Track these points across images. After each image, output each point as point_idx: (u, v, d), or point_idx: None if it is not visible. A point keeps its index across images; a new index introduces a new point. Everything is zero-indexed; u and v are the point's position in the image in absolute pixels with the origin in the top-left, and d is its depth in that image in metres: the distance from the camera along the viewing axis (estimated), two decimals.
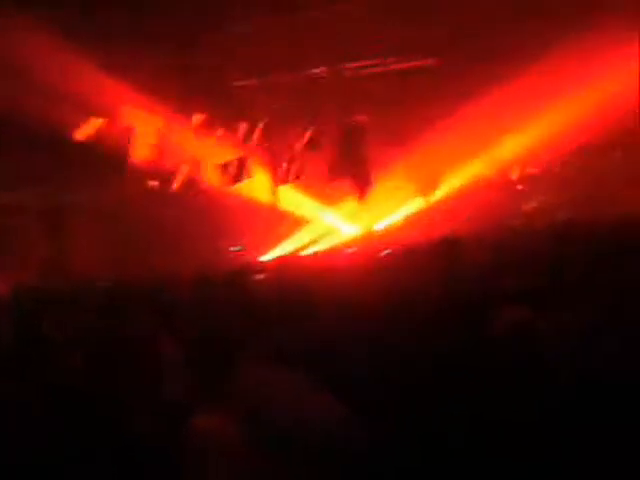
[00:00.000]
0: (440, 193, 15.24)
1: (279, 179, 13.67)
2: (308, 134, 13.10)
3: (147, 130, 12.23)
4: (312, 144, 13.32)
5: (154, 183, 12.81)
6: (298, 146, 13.28)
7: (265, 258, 14.55)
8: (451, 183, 15.16)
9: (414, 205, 15.43)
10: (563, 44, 10.73)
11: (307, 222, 15.43)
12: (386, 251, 9.51)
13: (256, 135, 12.98)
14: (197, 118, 12.31)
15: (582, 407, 1.90)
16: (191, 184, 12.88)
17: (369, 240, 13.35)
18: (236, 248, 15.59)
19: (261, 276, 6.88)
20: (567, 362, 2.38)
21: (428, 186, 15.16)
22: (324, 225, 15.58)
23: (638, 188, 12.60)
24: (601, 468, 1.72)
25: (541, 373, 2.23)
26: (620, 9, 10.57)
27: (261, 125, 13.08)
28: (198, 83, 11.84)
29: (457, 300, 4.12)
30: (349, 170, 13.90)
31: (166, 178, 12.69)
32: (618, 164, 14.06)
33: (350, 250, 11.25)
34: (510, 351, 2.53)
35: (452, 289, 4.67)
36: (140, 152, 12.19)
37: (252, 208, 14.60)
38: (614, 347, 2.37)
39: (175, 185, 12.80)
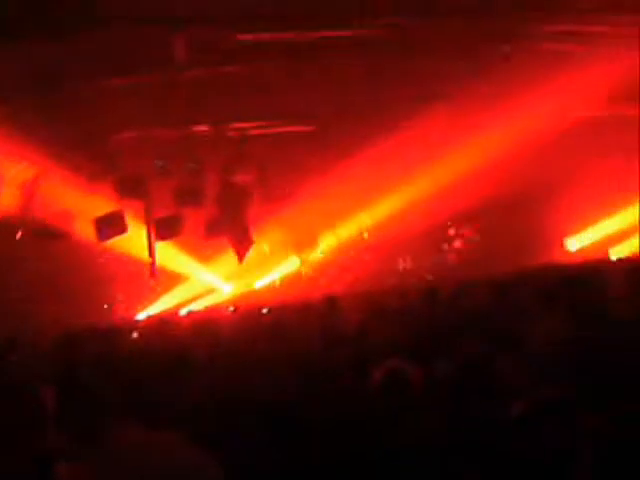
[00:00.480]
0: (316, 253, 15.60)
1: (156, 235, 13.36)
2: (188, 191, 12.98)
3: (17, 179, 11.64)
4: (191, 201, 13.20)
5: (22, 234, 12.13)
6: (177, 202, 13.11)
7: (141, 316, 14.09)
8: (328, 243, 15.60)
9: (291, 265, 15.66)
10: (432, 105, 11.32)
11: (184, 280, 15.18)
12: (265, 310, 9.56)
13: (133, 189, 12.66)
14: (71, 169, 11.86)
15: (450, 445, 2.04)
16: (64, 237, 12.28)
17: (248, 299, 13.31)
18: (108, 305, 15.02)
19: (136, 334, 6.66)
20: (437, 406, 2.58)
21: (305, 246, 15.47)
22: (201, 283, 15.39)
23: (501, 260, 13.47)
24: None
25: (414, 415, 2.38)
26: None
27: (139, 179, 12.81)
28: (73, 133, 11.48)
29: (338, 354, 4.24)
30: (228, 229, 13.89)
31: (38, 230, 12.05)
32: (487, 233, 15.07)
33: (230, 309, 11.16)
34: (387, 397, 2.68)
35: (332, 345, 4.79)
36: (9, 201, 11.55)
37: (127, 264, 14.18)
38: (478, 392, 2.57)
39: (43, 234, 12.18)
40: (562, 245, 16.58)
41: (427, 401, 2.67)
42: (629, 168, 14.17)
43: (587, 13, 10.14)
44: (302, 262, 15.42)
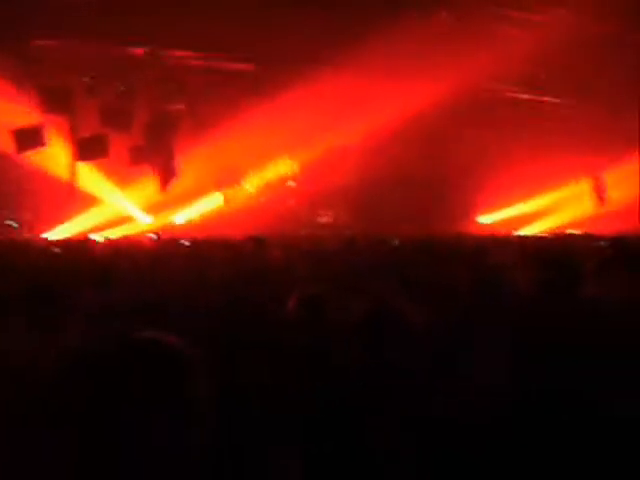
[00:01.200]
0: (239, 192, 15.53)
1: (78, 154, 12.92)
2: (115, 113, 12.59)
3: None
4: (118, 124, 12.81)
5: None
6: (103, 123, 12.69)
7: (51, 235, 13.65)
8: (253, 184, 15.57)
9: (212, 201, 15.54)
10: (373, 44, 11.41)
11: (101, 204, 14.74)
12: (185, 242, 9.54)
13: (57, 103, 12.14)
14: None
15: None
16: None
17: (167, 231, 13.17)
18: (12, 222, 14.46)
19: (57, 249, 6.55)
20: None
21: (228, 183, 15.34)
22: (120, 211, 15.02)
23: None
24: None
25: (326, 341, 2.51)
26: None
27: (64, 94, 12.28)
28: None
29: (261, 288, 4.39)
30: (153, 157, 13.62)
31: None
32: (402, 195, 15.48)
33: (151, 236, 11.02)
34: (299, 327, 2.76)
35: (256, 278, 4.95)
36: None
37: (43, 181, 13.66)
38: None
39: None
40: (473, 220, 17.47)
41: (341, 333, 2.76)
42: (546, 153, 14.99)
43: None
44: (224, 200, 15.28)
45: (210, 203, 15.51)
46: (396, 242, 7.10)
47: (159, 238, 10.17)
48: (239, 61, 12.68)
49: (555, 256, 5.16)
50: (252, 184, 15.41)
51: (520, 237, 13.07)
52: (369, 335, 2.41)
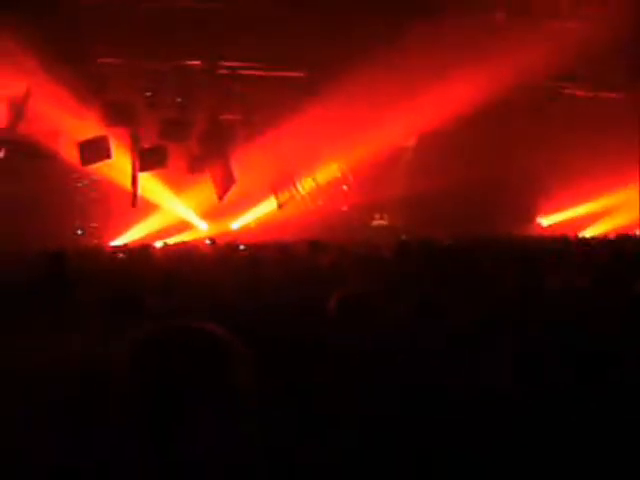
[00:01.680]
0: (294, 197, 15.72)
1: (140, 165, 13.45)
2: (174, 124, 13.06)
3: (7, 95, 11.59)
4: (177, 135, 13.29)
5: (7, 151, 12.13)
6: (163, 135, 13.18)
7: (114, 243, 14.24)
8: (306, 187, 15.71)
9: (267, 207, 15.81)
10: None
11: (161, 212, 15.26)
12: (242, 246, 9.84)
13: (120, 117, 12.70)
14: (62, 90, 11.82)
15: None
16: (49, 157, 12.32)
17: (224, 237, 13.53)
18: (80, 231, 15.13)
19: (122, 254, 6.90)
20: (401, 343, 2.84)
21: (284, 188, 15.54)
22: (179, 218, 15.51)
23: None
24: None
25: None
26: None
27: (127, 108, 12.83)
28: (66, 52, 11.40)
29: (311, 289, 4.55)
30: (211, 166, 14.02)
31: (23, 148, 12.06)
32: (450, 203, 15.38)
33: (207, 241, 11.36)
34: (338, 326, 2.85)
35: (308, 280, 5.12)
36: None
37: (107, 191, 14.27)
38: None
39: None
40: (535, 222, 17.28)
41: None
42: (607, 151, 14.66)
43: None
44: (278, 204, 15.47)
45: (265, 208, 15.79)
46: (446, 243, 7.14)
47: (214, 243, 10.49)
48: (292, 69, 12.94)
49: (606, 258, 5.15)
50: (306, 188, 15.56)
51: (576, 239, 12.83)
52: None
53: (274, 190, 15.23)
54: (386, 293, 3.88)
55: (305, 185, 15.50)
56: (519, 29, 11.39)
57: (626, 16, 11.20)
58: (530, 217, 17.30)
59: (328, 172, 15.48)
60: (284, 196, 15.25)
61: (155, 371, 1.31)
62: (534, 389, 2.07)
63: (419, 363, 2.41)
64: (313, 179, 15.52)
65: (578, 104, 14.49)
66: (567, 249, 6.88)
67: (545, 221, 17.51)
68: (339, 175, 15.67)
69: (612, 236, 12.32)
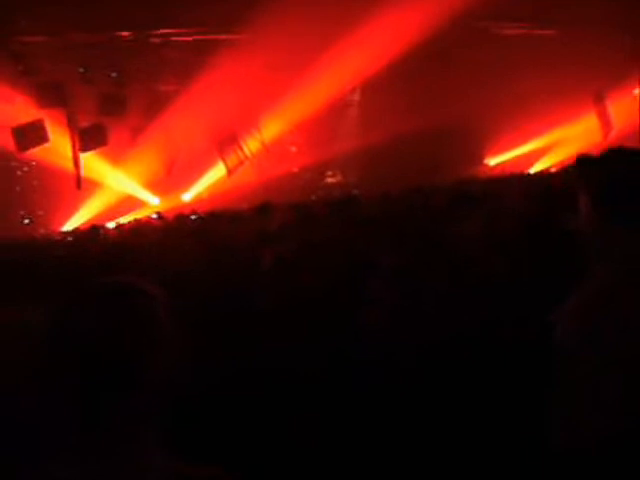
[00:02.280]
0: (241, 160, 15.51)
1: (80, 145, 13.06)
2: (111, 99, 12.67)
3: None
4: (115, 110, 12.91)
5: None
6: (101, 111, 12.79)
7: (66, 228, 13.93)
8: (252, 147, 15.48)
9: (217, 173, 15.59)
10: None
11: (109, 191, 14.95)
12: (193, 217, 9.71)
13: (54, 97, 12.24)
14: None
15: None
16: None
17: (176, 210, 13.35)
18: (27, 220, 14.76)
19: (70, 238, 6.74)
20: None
21: (230, 153, 15.30)
22: (128, 195, 15.23)
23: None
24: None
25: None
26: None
27: (58, 86, 12.36)
28: None
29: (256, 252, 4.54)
30: (154, 139, 13.72)
31: None
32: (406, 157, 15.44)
33: (153, 215, 11.19)
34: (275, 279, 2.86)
35: (257, 244, 5.09)
36: None
37: (49, 176, 13.87)
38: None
39: None
40: (483, 163, 17.56)
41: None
42: (549, 88, 14.84)
43: None
44: (228, 171, 15.25)
45: (214, 175, 15.58)
46: (392, 195, 7.17)
47: (161, 218, 10.35)
48: (225, 32, 12.59)
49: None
50: (252, 148, 15.31)
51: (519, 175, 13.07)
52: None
53: (221, 154, 14.96)
54: (324, 247, 3.87)
55: (251, 145, 15.28)
56: None
57: None
58: (478, 159, 17.56)
59: (273, 130, 15.22)
60: (232, 160, 15.02)
61: (81, 330, 1.31)
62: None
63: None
64: (259, 138, 15.31)
65: (513, 43, 14.56)
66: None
67: (492, 161, 17.82)
68: (284, 133, 15.48)
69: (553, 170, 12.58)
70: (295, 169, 16.49)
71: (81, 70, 12.42)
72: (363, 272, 2.21)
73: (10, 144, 12.25)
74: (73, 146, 13.06)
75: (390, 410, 1.90)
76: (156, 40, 12.36)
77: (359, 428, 1.88)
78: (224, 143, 14.81)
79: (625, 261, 1.75)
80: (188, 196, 15.88)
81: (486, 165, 17.88)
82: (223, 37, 12.75)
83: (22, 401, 1.33)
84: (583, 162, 2.07)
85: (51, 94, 12.15)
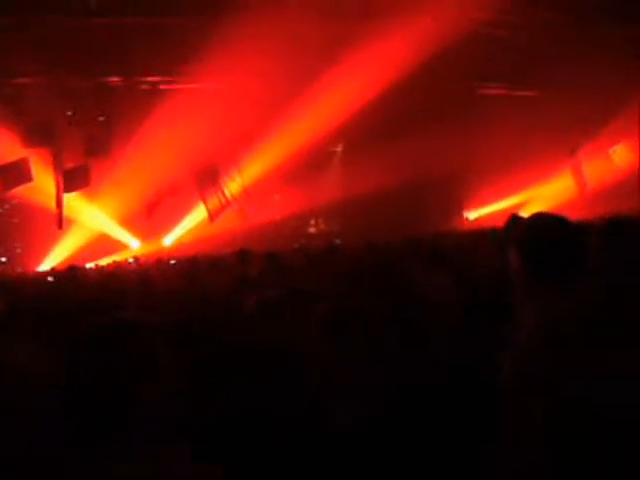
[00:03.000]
0: (224, 208, 15.58)
1: (64, 186, 13.09)
2: (97, 140, 12.79)
3: None
4: (101, 150, 13.01)
5: None
6: (85, 153, 12.88)
7: (44, 267, 13.81)
8: (233, 192, 15.54)
9: (198, 217, 15.62)
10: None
11: (90, 232, 14.89)
12: (172, 261, 9.74)
13: (40, 137, 12.33)
14: None
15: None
16: None
17: (156, 253, 13.35)
18: (4, 258, 14.64)
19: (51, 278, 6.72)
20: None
21: (214, 198, 15.35)
22: (109, 237, 15.19)
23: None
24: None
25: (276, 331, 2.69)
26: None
27: (46, 127, 12.46)
28: None
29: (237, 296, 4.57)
30: (137, 181, 13.78)
31: None
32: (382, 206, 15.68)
33: (129, 260, 11.19)
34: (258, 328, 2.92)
35: (236, 289, 5.13)
36: None
37: (30, 215, 13.82)
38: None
39: None
40: (462, 217, 17.93)
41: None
42: (528, 145, 15.28)
43: None
44: (210, 216, 15.27)
45: (196, 218, 15.61)
46: (373, 245, 7.27)
47: (137, 261, 10.37)
48: (211, 81, 12.81)
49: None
50: (232, 190, 15.39)
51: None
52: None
53: (202, 194, 15.00)
54: (302, 295, 3.92)
55: (232, 187, 15.36)
56: (436, 31, 11.65)
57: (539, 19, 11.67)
58: (457, 213, 17.90)
59: (253, 172, 15.31)
60: (213, 203, 15.06)
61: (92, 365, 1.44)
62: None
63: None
64: (239, 182, 15.40)
65: (494, 102, 15.01)
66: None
67: (471, 215, 18.17)
68: (266, 179, 15.57)
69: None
70: (278, 217, 16.62)
71: (69, 113, 12.56)
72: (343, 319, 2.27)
73: None
74: (57, 186, 13.09)
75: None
76: (145, 87, 12.55)
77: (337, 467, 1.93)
78: (205, 183, 14.91)
79: (541, 321, 1.89)
80: (169, 240, 15.87)
81: (465, 218, 18.21)
82: (209, 86, 12.97)
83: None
84: (514, 221, 2.20)
85: (38, 134, 12.24)
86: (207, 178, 14.93)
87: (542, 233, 2.00)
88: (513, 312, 2.04)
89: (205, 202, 14.95)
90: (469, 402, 2.03)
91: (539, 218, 2.10)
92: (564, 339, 1.82)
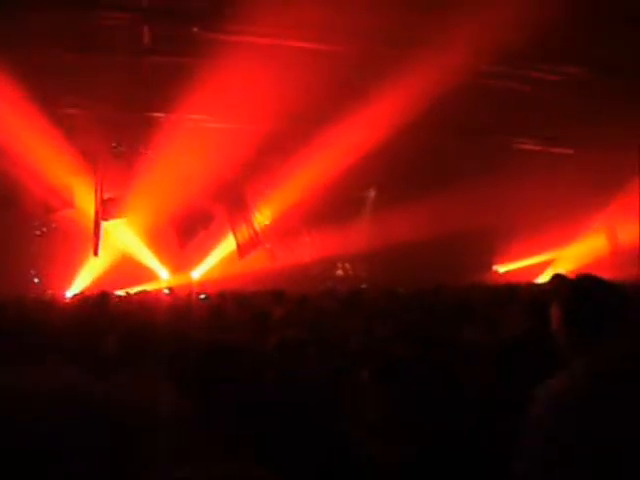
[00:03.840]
0: (255, 245, 15.74)
1: (102, 214, 13.47)
2: (140, 174, 13.18)
3: None
4: (139, 183, 13.38)
5: None
6: (130, 184, 13.29)
7: (73, 291, 14.06)
8: (262, 225, 15.72)
9: (227, 250, 15.80)
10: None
11: (122, 261, 15.14)
12: (202, 296, 9.87)
13: (85, 166, 12.79)
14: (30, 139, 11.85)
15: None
16: (15, 206, 12.32)
17: (186, 285, 13.54)
18: (37, 280, 14.95)
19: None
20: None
21: (242, 229, 15.52)
22: (142, 267, 15.42)
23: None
24: None
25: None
26: None
27: (92, 156, 12.93)
28: (33, 103, 11.48)
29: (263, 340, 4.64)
30: (237, 226, 14.11)
31: None
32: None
33: (164, 291, 11.37)
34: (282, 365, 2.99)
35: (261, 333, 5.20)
36: None
37: (68, 240, 14.17)
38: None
39: None
40: (492, 270, 17.88)
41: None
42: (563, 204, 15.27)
43: None
44: (239, 253, 15.42)
45: (224, 251, 15.79)
46: (400, 293, 7.31)
47: (172, 292, 10.52)
48: (243, 122, 13.10)
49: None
50: (260, 222, 15.59)
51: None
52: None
53: (232, 225, 15.21)
54: (324, 341, 3.96)
55: (261, 222, 15.56)
56: (474, 85, 11.77)
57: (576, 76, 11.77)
58: (487, 265, 17.84)
59: (283, 210, 15.48)
60: (243, 236, 15.22)
61: None
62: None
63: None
64: (269, 216, 15.60)
65: (530, 158, 15.06)
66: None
67: (501, 269, 18.10)
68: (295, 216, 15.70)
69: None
70: (307, 259, 16.73)
71: (114, 144, 13.00)
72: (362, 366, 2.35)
73: (38, 206, 12.65)
74: (96, 214, 13.47)
75: None
76: (188, 124, 12.93)
77: None
78: (235, 215, 15.14)
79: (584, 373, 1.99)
80: (197, 273, 16.05)
81: (495, 272, 18.10)
82: (243, 127, 13.26)
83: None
84: (557, 279, 2.31)
85: (83, 163, 12.69)
86: (238, 210, 15.21)
87: (588, 295, 2.10)
88: (548, 365, 2.12)
89: (235, 233, 15.16)
90: (497, 453, 2.09)
91: (585, 280, 2.20)
92: (606, 393, 1.93)
